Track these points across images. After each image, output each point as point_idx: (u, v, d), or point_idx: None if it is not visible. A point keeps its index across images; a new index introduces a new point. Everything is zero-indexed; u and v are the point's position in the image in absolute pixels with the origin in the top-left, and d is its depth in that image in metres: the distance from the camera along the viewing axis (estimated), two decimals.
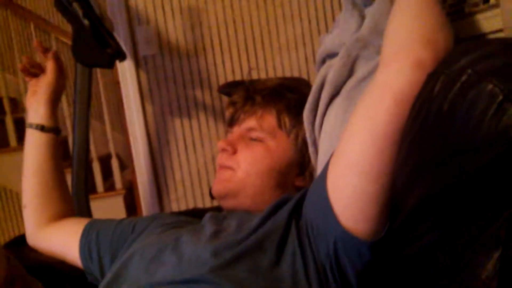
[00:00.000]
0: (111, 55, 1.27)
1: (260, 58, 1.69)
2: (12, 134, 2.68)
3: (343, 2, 0.85)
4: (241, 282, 0.57)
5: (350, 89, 0.74)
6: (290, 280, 0.58)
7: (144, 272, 0.66)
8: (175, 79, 1.65)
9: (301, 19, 1.69)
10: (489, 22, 0.67)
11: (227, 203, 0.79)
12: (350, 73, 0.75)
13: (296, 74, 1.70)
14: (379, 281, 0.59)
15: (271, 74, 1.69)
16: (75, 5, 1.19)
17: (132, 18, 1.61)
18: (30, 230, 0.92)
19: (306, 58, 1.70)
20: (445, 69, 0.48)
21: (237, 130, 0.82)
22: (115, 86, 1.82)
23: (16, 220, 3.01)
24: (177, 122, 1.66)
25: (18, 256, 0.81)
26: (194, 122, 1.67)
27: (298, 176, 0.81)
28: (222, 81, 1.67)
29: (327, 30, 1.62)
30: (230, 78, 1.68)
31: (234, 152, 0.79)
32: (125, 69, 1.62)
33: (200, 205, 1.70)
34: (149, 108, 1.64)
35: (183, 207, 1.68)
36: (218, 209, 0.85)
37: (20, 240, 0.99)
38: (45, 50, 0.98)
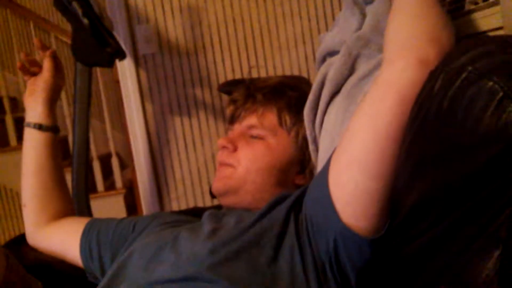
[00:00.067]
0: (110, 54, 1.27)
1: (260, 56, 1.68)
2: (12, 133, 2.68)
3: (343, 1, 0.84)
4: (239, 279, 0.58)
5: (350, 88, 0.73)
6: (288, 276, 0.58)
7: (143, 270, 0.66)
8: (175, 77, 1.65)
9: (301, 18, 1.69)
10: (489, 19, 0.67)
11: (227, 200, 0.79)
12: (351, 71, 0.75)
13: (296, 72, 1.70)
14: (379, 279, 0.59)
15: (271, 73, 1.69)
16: (75, 4, 1.19)
17: (131, 17, 1.61)
18: (30, 229, 0.92)
19: (306, 57, 1.70)
20: (445, 67, 0.48)
21: (237, 127, 0.82)
22: (115, 85, 1.81)
23: (16, 219, 3.01)
24: (177, 120, 1.66)
25: (18, 256, 0.81)
26: (194, 121, 1.67)
27: (298, 174, 0.81)
28: (222, 79, 1.67)
29: (327, 29, 1.62)
30: (230, 77, 1.67)
31: (235, 149, 0.79)
32: (125, 68, 1.62)
33: (200, 203, 1.70)
34: (149, 106, 1.64)
35: (183, 206, 1.68)
36: (218, 207, 0.85)
37: (20, 239, 1.00)
38: (44, 48, 0.98)
